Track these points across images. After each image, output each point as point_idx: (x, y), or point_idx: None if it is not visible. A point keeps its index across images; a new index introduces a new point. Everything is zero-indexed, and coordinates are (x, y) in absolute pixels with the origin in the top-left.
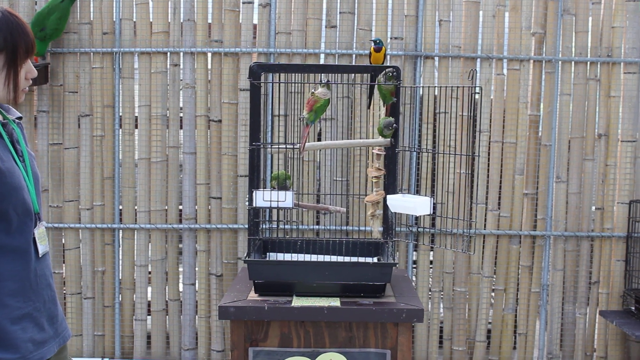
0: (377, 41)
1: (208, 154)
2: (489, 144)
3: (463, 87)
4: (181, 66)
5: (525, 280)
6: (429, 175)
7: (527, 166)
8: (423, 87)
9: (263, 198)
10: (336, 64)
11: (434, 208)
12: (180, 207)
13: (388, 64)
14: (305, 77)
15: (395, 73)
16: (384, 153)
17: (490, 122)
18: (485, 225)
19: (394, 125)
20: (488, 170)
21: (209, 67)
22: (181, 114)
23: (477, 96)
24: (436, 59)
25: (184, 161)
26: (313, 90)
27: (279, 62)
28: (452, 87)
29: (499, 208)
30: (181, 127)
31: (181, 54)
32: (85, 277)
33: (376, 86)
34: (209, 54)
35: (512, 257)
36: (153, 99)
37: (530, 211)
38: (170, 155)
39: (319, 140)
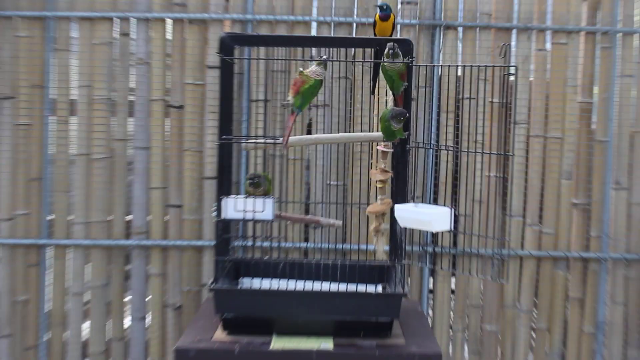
0: (384, 7)
1: (166, 150)
2: (528, 140)
3: (494, 66)
4: (132, 36)
5: (575, 316)
6: (449, 180)
7: (577, 168)
8: (442, 65)
9: (235, 207)
10: (331, 35)
11: (456, 222)
12: (129, 217)
13: (398, 37)
14: (292, 53)
15: (399, 49)
16: (392, 150)
17: (529, 111)
18: (522, 244)
19: (406, 115)
20: (526, 173)
21: (169, 37)
22: (132, 98)
23: (511, 78)
24: (460, 29)
25: (135, 158)
26: (302, 69)
27: (259, 32)
28: (479, 66)
29: (540, 222)
30: (131, 115)
31: (132, 20)
32: (0, 309)
33: (380, 68)
34: (169, 21)
35: (557, 286)
36: (95, 78)
37: (582, 226)
38: (117, 151)
39: (309, 132)
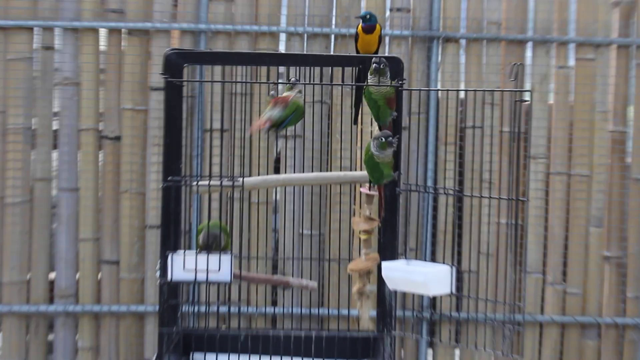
0: (367, 16)
1: (98, 191)
2: (547, 178)
3: (503, 90)
4: (57, 49)
5: None
6: (449, 228)
7: (608, 213)
8: (441, 90)
9: (184, 266)
10: (304, 52)
11: (459, 281)
12: (52, 275)
13: (385, 53)
14: (256, 72)
15: (386, 66)
16: (377, 194)
17: (549, 143)
18: (542, 308)
19: (391, 139)
20: (546, 219)
21: (103, 51)
22: (56, 126)
23: (526, 103)
24: (462, 42)
25: (60, 202)
26: (273, 93)
27: (214, 45)
28: (485, 90)
29: (564, 281)
30: (56, 147)
31: (57, 30)
32: None
33: (363, 92)
34: (103, 31)
35: (587, 358)
36: (10, 102)
37: (615, 285)
38: (37, 193)
39: (277, 170)
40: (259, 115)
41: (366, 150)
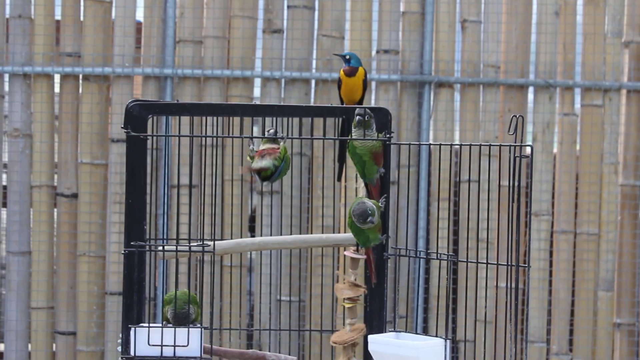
0: (347, 57)
1: (52, 256)
2: (552, 237)
3: (500, 145)
4: (6, 98)
5: None
6: (443, 294)
7: (619, 275)
8: (432, 144)
9: (149, 341)
10: (281, 98)
11: (454, 352)
12: (1, 347)
13: (372, 100)
14: (228, 122)
15: (370, 117)
16: (364, 257)
17: (553, 198)
18: None
19: (368, 217)
20: (550, 282)
21: (57, 99)
22: (5, 182)
23: (526, 157)
24: (457, 86)
25: (9, 267)
26: (252, 147)
27: (182, 90)
28: (481, 145)
29: (570, 351)
30: (5, 205)
31: (6, 76)
32: None
33: (347, 148)
34: (57, 77)
35: None
36: None
37: (627, 355)
38: None
39: (251, 230)
40: (232, 169)
41: (350, 213)
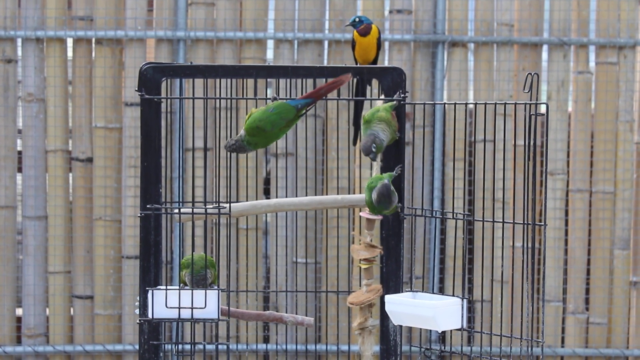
0: (356, 19)
1: (69, 220)
2: (567, 196)
3: (516, 103)
4: (19, 62)
5: None
6: (459, 254)
7: (635, 234)
8: (447, 103)
9: (167, 303)
10: (294, 60)
11: (471, 312)
12: (19, 312)
13: (385, 61)
14: (242, 84)
15: (381, 140)
16: (380, 217)
17: (569, 157)
18: (563, 340)
19: (392, 201)
20: (566, 242)
21: (70, 63)
22: (20, 147)
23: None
24: (471, 46)
25: (26, 232)
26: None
27: (195, 53)
28: (496, 103)
29: (586, 309)
30: (20, 171)
31: (19, 40)
32: None
33: (361, 120)
34: (70, 41)
35: None
36: None
37: None
38: (1, 221)
39: (267, 191)
40: None
41: (368, 189)
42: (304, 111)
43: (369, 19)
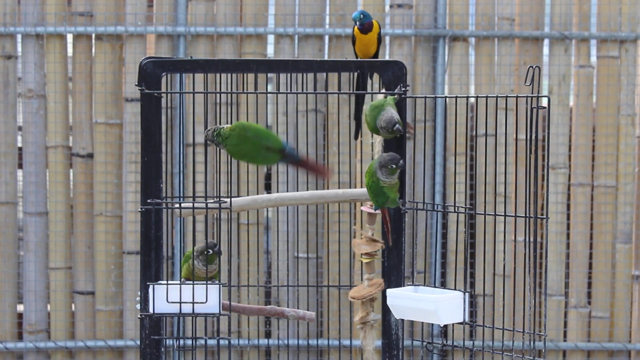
0: (361, 16)
1: (69, 216)
2: (569, 190)
3: (517, 96)
4: (19, 59)
5: None
6: (461, 248)
7: (637, 227)
8: (448, 97)
9: (168, 297)
10: (294, 55)
11: (473, 306)
12: (20, 309)
13: (386, 55)
14: (242, 79)
15: (401, 161)
16: (379, 212)
17: (570, 150)
18: (565, 333)
19: (399, 162)
20: (568, 235)
21: (70, 59)
22: (20, 144)
23: (543, 109)
24: (472, 40)
25: (27, 228)
26: None
27: (195, 48)
28: (497, 96)
29: (589, 303)
30: (20, 167)
31: (19, 36)
32: None
33: (363, 116)
34: (70, 37)
35: None
36: None
37: None
38: (2, 218)
39: (268, 186)
40: None
41: (369, 173)
42: (285, 159)
43: (369, 16)
